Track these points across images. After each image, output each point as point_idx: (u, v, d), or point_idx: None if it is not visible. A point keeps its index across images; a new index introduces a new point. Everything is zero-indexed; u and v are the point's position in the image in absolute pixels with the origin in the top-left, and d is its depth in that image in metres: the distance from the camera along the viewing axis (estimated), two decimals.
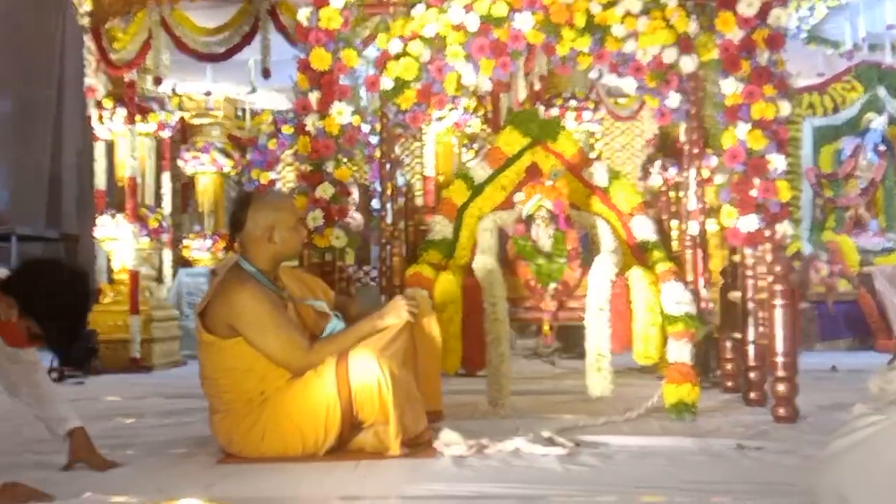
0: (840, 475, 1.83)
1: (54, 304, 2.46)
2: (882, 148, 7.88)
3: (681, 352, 3.57)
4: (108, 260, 6.55)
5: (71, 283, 2.53)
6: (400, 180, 7.70)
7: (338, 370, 2.80)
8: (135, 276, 6.16)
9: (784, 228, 3.70)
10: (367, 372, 2.78)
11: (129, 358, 6.09)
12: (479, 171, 4.37)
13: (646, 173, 7.58)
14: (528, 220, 3.98)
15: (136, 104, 6.28)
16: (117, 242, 6.29)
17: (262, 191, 3.28)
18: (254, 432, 2.87)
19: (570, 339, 6.21)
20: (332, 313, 3.05)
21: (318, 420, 2.82)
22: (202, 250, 7.94)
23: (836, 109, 7.94)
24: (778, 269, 3.52)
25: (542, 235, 3.94)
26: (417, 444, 2.92)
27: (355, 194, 7.63)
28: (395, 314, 2.93)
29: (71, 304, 2.51)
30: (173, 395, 4.68)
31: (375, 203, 8.37)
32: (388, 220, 4.18)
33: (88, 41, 6.30)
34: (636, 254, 4.06)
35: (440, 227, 4.20)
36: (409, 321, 2.94)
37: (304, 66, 4.03)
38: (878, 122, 7.87)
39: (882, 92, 7.96)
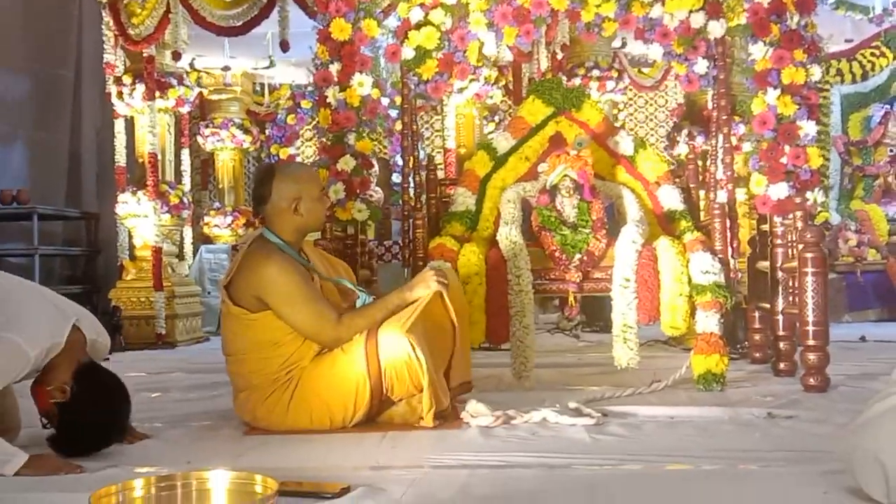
0: (877, 440, 1.80)
1: (82, 432, 2.51)
2: None
3: (709, 322, 3.51)
4: (130, 237, 6.57)
5: (108, 430, 2.59)
6: (420, 154, 7.66)
7: (367, 347, 2.76)
8: (158, 252, 6.17)
9: (815, 196, 3.63)
10: (397, 348, 2.74)
11: (154, 334, 6.11)
12: (502, 141, 4.31)
13: (672, 142, 7.48)
14: (553, 191, 3.93)
15: (155, 80, 6.25)
16: (139, 219, 6.30)
17: (282, 163, 3.26)
18: (278, 409, 2.84)
19: (593, 313, 6.18)
20: (357, 290, 3.01)
21: (348, 397, 2.79)
22: (223, 227, 7.94)
23: (864, 76, 7.82)
24: (809, 236, 3.44)
25: (567, 206, 3.89)
26: (444, 417, 2.90)
27: (376, 168, 7.60)
28: (424, 285, 2.88)
29: (90, 441, 2.54)
30: (197, 371, 4.69)
31: (396, 177, 8.34)
32: (410, 192, 4.14)
33: (106, 17, 6.27)
34: (663, 223, 4.00)
35: (462, 198, 4.15)
36: (438, 292, 2.89)
37: (325, 37, 3.99)
38: None
39: None
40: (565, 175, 3.91)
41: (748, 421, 2.89)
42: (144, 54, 6.21)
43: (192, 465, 2.38)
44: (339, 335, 2.80)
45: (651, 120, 9.42)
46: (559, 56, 7.13)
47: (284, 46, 6.00)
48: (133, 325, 6.21)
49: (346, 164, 3.98)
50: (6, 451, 2.35)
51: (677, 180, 4.16)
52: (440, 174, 7.72)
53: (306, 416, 2.83)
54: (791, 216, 3.69)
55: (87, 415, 2.47)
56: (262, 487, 2.00)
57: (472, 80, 7.10)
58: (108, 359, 5.40)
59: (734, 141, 4.17)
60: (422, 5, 3.93)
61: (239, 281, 2.84)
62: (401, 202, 4.26)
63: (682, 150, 7.22)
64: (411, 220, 3.99)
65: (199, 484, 2.10)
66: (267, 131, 8.68)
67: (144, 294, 6.20)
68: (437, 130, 8.64)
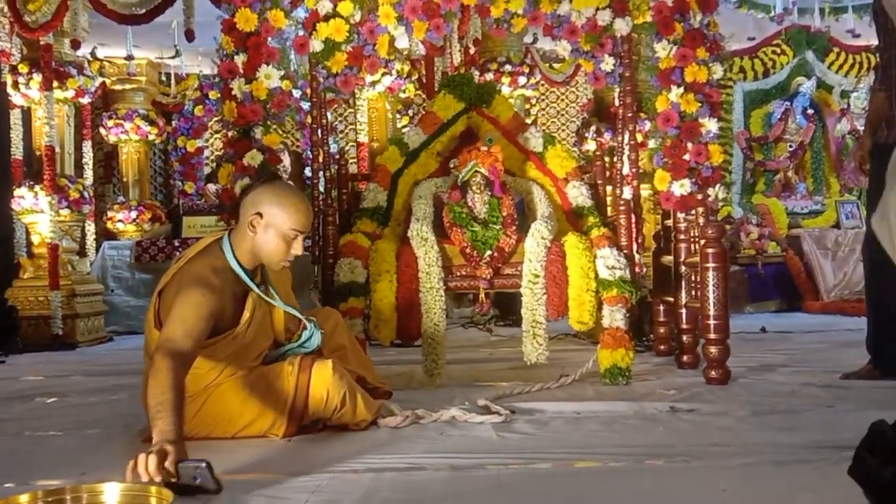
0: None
1: None
2: (810, 111, 8.05)
3: (615, 317, 3.57)
4: (28, 233, 6.29)
5: None
6: (333, 147, 7.55)
7: (298, 379, 2.66)
8: (54, 249, 5.91)
9: (716, 192, 3.72)
10: (325, 381, 2.67)
11: (50, 335, 5.86)
12: (414, 136, 4.29)
13: (581, 138, 7.58)
14: (464, 187, 3.92)
15: (53, 69, 5.98)
16: (36, 215, 6.03)
17: (288, 184, 2.90)
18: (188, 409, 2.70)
19: (506, 307, 6.22)
20: (306, 321, 2.85)
21: (263, 420, 2.70)
22: (127, 222, 7.67)
23: (766, 73, 8.08)
24: (710, 232, 3.53)
25: (478, 202, 3.89)
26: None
27: (287, 161, 7.47)
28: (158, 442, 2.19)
29: None
30: (98, 373, 4.52)
31: (309, 171, 8.21)
32: (321, 188, 4.07)
33: (1, 2, 5.97)
34: (571, 219, 4.04)
35: (374, 194, 4.12)
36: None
37: (229, 28, 3.87)
38: (806, 86, 8.04)
39: (811, 56, 8.12)
40: (476, 171, 3.91)
41: (652, 415, 2.94)
42: (41, 42, 5.93)
43: (88, 477, 2.28)
44: (159, 357, 2.34)
45: (563, 115, 9.52)
46: (472, 51, 7.13)
47: (189, 36, 5.82)
48: (31, 326, 5.95)
49: (253, 158, 3.87)
50: None
51: (585, 176, 4.21)
52: (353, 168, 7.68)
53: (210, 427, 2.72)
54: (693, 212, 3.78)
55: None
56: (156, 500, 1.93)
57: (384, 74, 7.07)
58: (3, 361, 5.20)
59: (640, 137, 4.25)
60: None
61: (171, 289, 2.59)
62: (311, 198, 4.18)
63: (590, 146, 7.33)
64: (321, 217, 3.93)
65: (90, 497, 2.01)
66: (174, 122, 8.42)
67: (42, 293, 5.94)
68: (351, 124, 8.54)
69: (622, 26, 3.75)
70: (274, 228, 2.60)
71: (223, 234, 2.74)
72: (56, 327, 5.86)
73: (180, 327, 2.43)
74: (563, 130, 9.38)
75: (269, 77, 3.86)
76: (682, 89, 3.68)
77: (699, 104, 3.67)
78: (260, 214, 2.60)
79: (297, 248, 2.65)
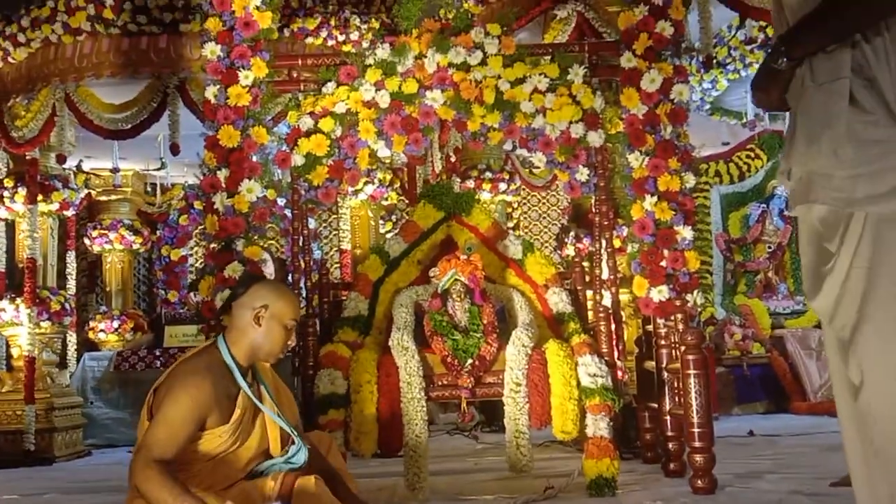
0: None
1: None
2: (787, 213, 8.19)
3: (599, 426, 3.53)
4: (8, 346, 6.23)
5: None
6: (316, 254, 7.61)
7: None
8: (31, 362, 5.84)
9: (695, 297, 3.74)
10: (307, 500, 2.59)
11: (23, 450, 5.72)
12: (395, 245, 4.33)
13: (561, 244, 7.67)
14: (444, 295, 3.93)
15: (38, 183, 6.06)
16: (16, 328, 5.98)
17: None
18: None
19: (493, 412, 6.14)
20: (295, 436, 2.78)
21: None
22: (109, 331, 7.61)
23: (741, 177, 8.26)
24: (690, 338, 3.53)
25: (458, 310, 3.89)
26: None
27: (271, 268, 7.49)
28: None
29: None
30: (73, 490, 4.40)
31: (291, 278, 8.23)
32: (303, 295, 4.08)
33: None
34: (552, 326, 4.04)
35: (355, 303, 4.12)
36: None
37: (212, 144, 3.95)
38: (781, 189, 8.19)
39: None
40: (456, 279, 3.93)
41: None
42: (28, 157, 6.03)
43: None
44: (139, 469, 2.45)
45: (544, 218, 9.66)
46: (453, 158, 7.28)
47: (175, 150, 5.94)
48: (8, 441, 5.83)
49: (234, 271, 3.89)
50: None
51: (566, 282, 4.24)
52: (336, 273, 7.71)
53: None
54: (673, 317, 3.79)
55: None
56: None
57: (366, 183, 7.19)
58: None
59: (618, 243, 4.31)
60: (311, 114, 3.97)
61: (164, 390, 2.60)
62: None
63: (570, 251, 7.40)
64: (303, 326, 3.91)
65: None
66: (158, 232, 8.47)
67: (20, 407, 5.84)
68: (335, 230, 8.63)
69: (595, 139, 3.85)
70: (276, 319, 2.71)
71: (216, 337, 2.77)
72: (28, 443, 5.73)
73: (164, 431, 2.49)
74: (545, 233, 9.49)
75: (252, 191, 3.92)
76: (655, 198, 3.75)
77: (673, 212, 3.74)
78: (266, 307, 2.69)
79: (293, 339, 2.79)
